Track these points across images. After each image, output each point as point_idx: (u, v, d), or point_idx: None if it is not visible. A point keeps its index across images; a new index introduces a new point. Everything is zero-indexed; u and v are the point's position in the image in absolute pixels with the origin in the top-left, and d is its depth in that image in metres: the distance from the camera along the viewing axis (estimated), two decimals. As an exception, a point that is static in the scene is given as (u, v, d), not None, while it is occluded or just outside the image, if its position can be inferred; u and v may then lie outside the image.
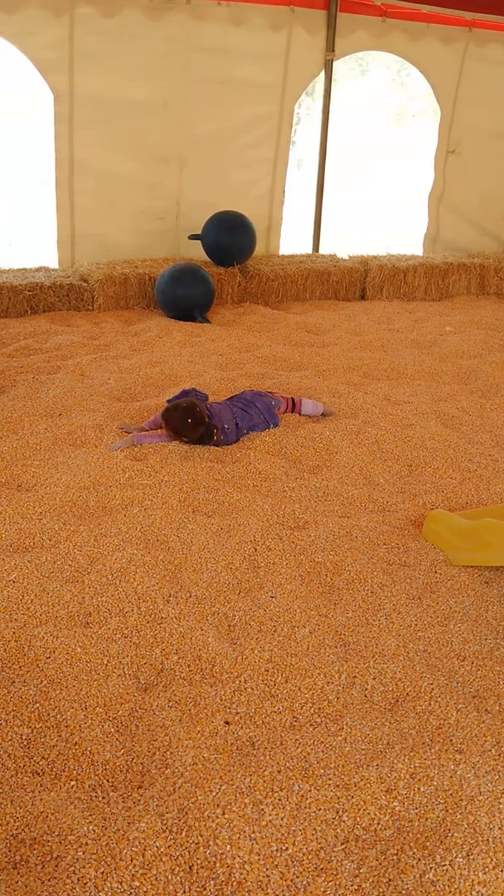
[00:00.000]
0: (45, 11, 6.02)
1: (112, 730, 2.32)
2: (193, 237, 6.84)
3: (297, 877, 1.87)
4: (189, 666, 2.61)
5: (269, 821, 1.98)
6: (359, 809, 2.05)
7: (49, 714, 2.36)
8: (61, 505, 3.54)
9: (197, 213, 6.91)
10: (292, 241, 8.10)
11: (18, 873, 1.85)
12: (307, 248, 8.10)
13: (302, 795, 2.07)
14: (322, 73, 7.44)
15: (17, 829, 1.95)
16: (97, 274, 6.50)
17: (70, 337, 5.82)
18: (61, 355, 5.46)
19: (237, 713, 2.40)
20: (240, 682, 2.54)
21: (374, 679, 2.58)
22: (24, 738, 2.28)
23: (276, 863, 1.89)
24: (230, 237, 6.80)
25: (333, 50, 7.28)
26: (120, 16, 6.29)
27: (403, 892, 1.86)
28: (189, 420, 4.05)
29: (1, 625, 2.74)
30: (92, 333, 6.00)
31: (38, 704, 2.39)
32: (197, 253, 7.00)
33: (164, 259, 7.02)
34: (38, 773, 2.16)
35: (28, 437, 4.13)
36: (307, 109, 10.10)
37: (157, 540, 3.33)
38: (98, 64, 6.34)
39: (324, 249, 8.12)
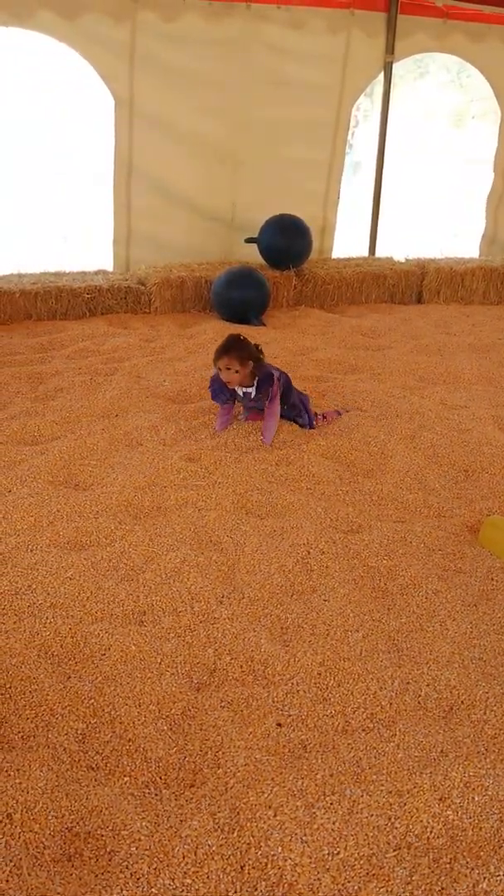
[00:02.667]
0: (107, 17, 6.12)
1: (165, 728, 2.34)
2: (250, 240, 6.86)
3: (349, 881, 1.86)
4: (241, 667, 2.62)
5: (321, 824, 1.98)
6: (411, 817, 2.03)
7: (104, 710, 2.39)
8: (117, 504, 3.58)
9: (252, 214, 6.95)
10: (347, 243, 8.07)
11: (73, 866, 1.87)
12: (362, 251, 8.06)
13: (354, 800, 2.06)
14: (381, 76, 7.41)
15: (71, 823, 1.98)
16: (154, 277, 6.57)
17: (127, 339, 5.89)
18: (118, 357, 5.53)
19: (289, 715, 2.40)
20: (292, 684, 2.53)
21: (427, 686, 2.55)
22: (79, 732, 2.31)
23: (327, 867, 1.88)
24: (286, 240, 6.81)
25: (393, 52, 7.25)
26: (180, 20, 6.36)
27: (456, 901, 1.84)
28: (239, 336, 4.20)
29: (58, 621, 2.78)
30: (148, 336, 6.06)
31: (93, 700, 2.43)
32: (252, 255, 7.02)
33: (221, 262, 7.06)
34: (93, 768, 2.19)
35: (85, 438, 4.20)
36: (365, 112, 10.06)
37: (211, 541, 3.35)
38: (158, 68, 6.44)
39: (380, 252, 8.07)
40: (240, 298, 6.32)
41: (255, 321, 6.35)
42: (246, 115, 6.90)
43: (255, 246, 6.90)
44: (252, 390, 4.24)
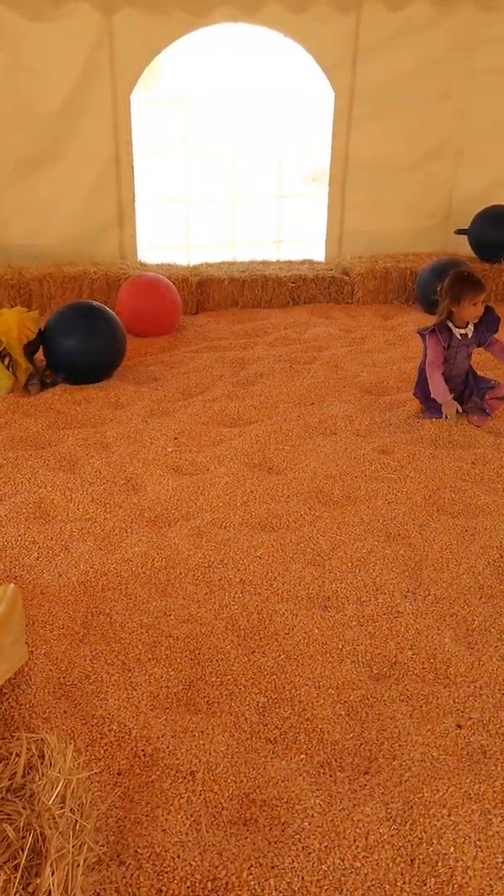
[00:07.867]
0: (333, 10, 6.15)
1: (343, 712, 2.37)
2: (460, 232, 6.70)
3: (522, 895, 1.80)
4: (423, 663, 2.59)
5: (497, 832, 1.93)
6: None
7: (284, 687, 2.46)
8: (308, 490, 3.65)
9: (470, 208, 6.73)
10: None
11: (248, 830, 1.95)
12: None
13: (533, 814, 1.99)
14: None
15: (249, 790, 2.06)
16: (359, 267, 6.58)
17: (327, 329, 5.94)
18: (317, 346, 5.60)
19: (470, 718, 2.35)
20: (475, 687, 2.48)
21: None
22: (260, 705, 2.39)
23: (500, 875, 1.83)
24: (499, 232, 6.58)
25: None
26: (406, 10, 6.27)
27: None
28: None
29: (246, 597, 2.88)
30: (348, 326, 6.09)
31: (274, 676, 2.50)
32: (465, 250, 6.84)
33: (428, 254, 6.94)
34: (271, 741, 2.26)
35: (281, 423, 4.30)
36: None
37: (399, 534, 3.33)
38: (380, 59, 6.37)
39: None
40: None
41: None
42: (470, 105, 6.69)
43: (466, 239, 6.72)
44: (469, 330, 4.27)
